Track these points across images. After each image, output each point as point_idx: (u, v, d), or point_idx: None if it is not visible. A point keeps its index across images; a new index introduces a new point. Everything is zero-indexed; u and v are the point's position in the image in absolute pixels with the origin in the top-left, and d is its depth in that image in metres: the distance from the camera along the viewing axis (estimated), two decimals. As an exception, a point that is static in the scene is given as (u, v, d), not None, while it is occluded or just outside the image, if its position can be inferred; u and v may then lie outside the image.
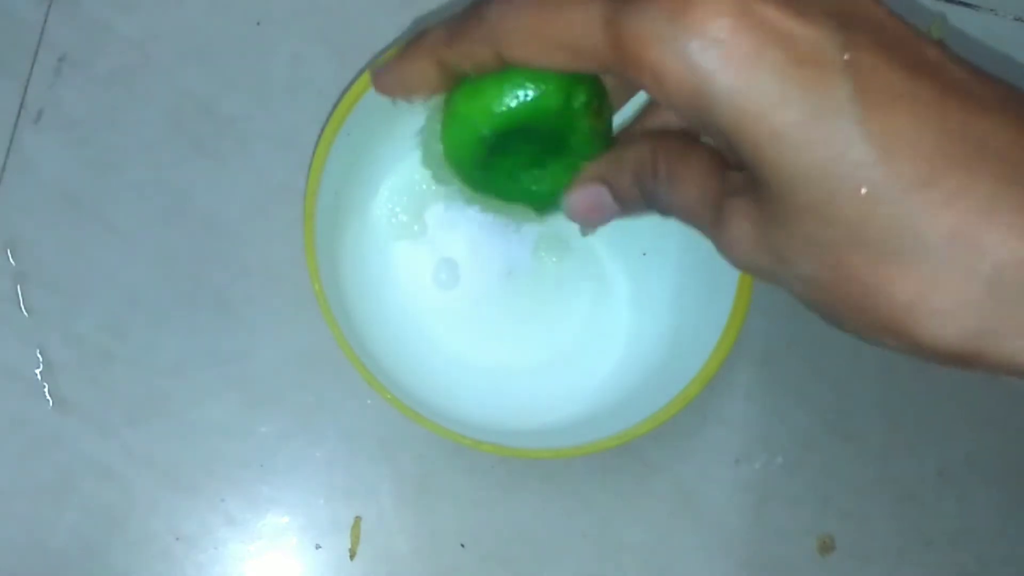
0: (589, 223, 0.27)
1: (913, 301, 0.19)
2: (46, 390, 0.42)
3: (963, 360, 0.20)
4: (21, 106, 0.43)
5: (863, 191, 0.19)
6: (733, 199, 0.22)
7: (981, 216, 0.19)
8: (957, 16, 0.47)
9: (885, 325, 0.20)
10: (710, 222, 0.23)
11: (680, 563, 0.43)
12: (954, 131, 0.19)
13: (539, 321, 0.44)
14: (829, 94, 0.19)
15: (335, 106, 0.38)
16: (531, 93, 0.24)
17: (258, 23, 0.45)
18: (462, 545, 0.42)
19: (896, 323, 0.20)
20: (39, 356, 0.42)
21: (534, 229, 0.44)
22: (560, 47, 0.22)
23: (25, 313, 0.43)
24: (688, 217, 0.24)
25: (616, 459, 0.43)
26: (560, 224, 0.44)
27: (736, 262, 0.23)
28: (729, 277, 0.38)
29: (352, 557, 0.42)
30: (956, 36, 0.46)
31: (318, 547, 0.42)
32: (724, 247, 0.23)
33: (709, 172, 0.23)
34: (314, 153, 0.38)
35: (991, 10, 0.47)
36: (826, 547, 0.44)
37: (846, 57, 0.19)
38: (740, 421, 0.44)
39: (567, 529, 0.43)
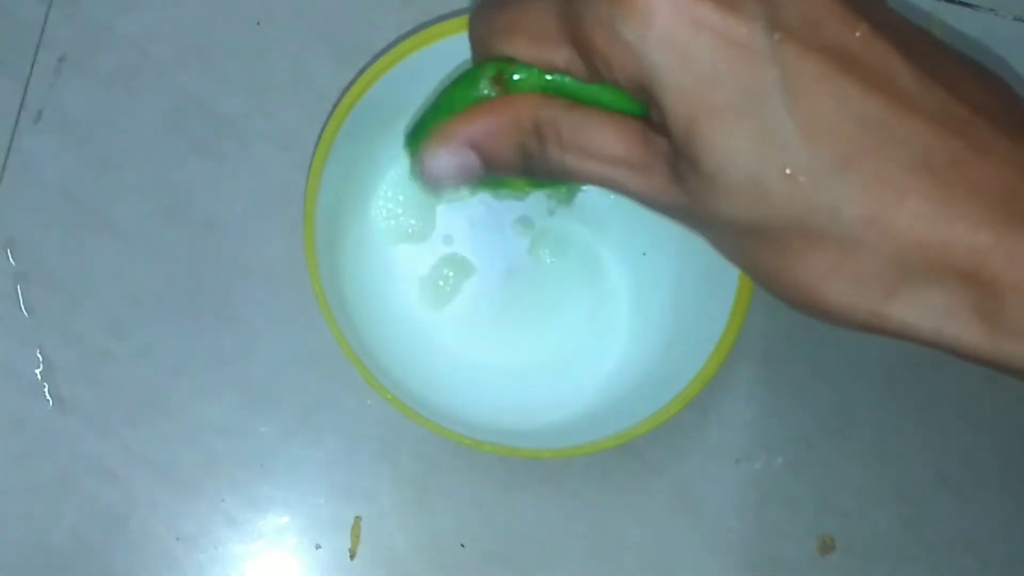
0: (443, 187, 0.26)
1: (827, 272, 0.22)
2: (46, 390, 0.42)
3: (868, 327, 0.22)
4: (21, 106, 0.44)
5: (787, 171, 0.21)
6: (661, 158, 0.23)
7: (892, 201, 0.20)
8: (957, 16, 0.47)
9: (799, 292, 0.22)
10: (635, 174, 0.24)
11: (680, 563, 0.43)
12: (871, 118, 0.20)
13: (539, 321, 0.44)
14: (759, 78, 0.21)
15: (335, 106, 0.38)
16: None
17: (258, 23, 0.45)
18: (462, 545, 0.42)
19: (809, 290, 0.22)
20: (39, 356, 0.42)
21: (534, 229, 0.44)
22: (531, 40, 0.24)
23: (25, 313, 0.43)
24: (597, 176, 0.25)
25: (616, 459, 0.43)
26: (560, 224, 0.44)
27: (661, 211, 0.25)
28: (729, 277, 0.38)
29: (352, 557, 0.42)
30: (956, 36, 0.46)
31: (318, 547, 0.42)
32: (649, 196, 0.24)
33: (629, 130, 0.24)
34: (314, 153, 0.38)
35: (991, 10, 0.47)
36: (826, 547, 0.44)
37: (777, 38, 0.21)
38: (740, 421, 0.44)
39: (567, 529, 0.43)
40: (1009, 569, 0.44)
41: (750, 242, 0.23)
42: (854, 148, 0.20)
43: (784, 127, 0.21)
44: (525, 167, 0.26)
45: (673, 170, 0.23)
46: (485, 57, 0.25)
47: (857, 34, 0.21)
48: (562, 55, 0.24)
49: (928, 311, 0.21)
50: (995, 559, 0.44)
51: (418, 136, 0.26)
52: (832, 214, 0.21)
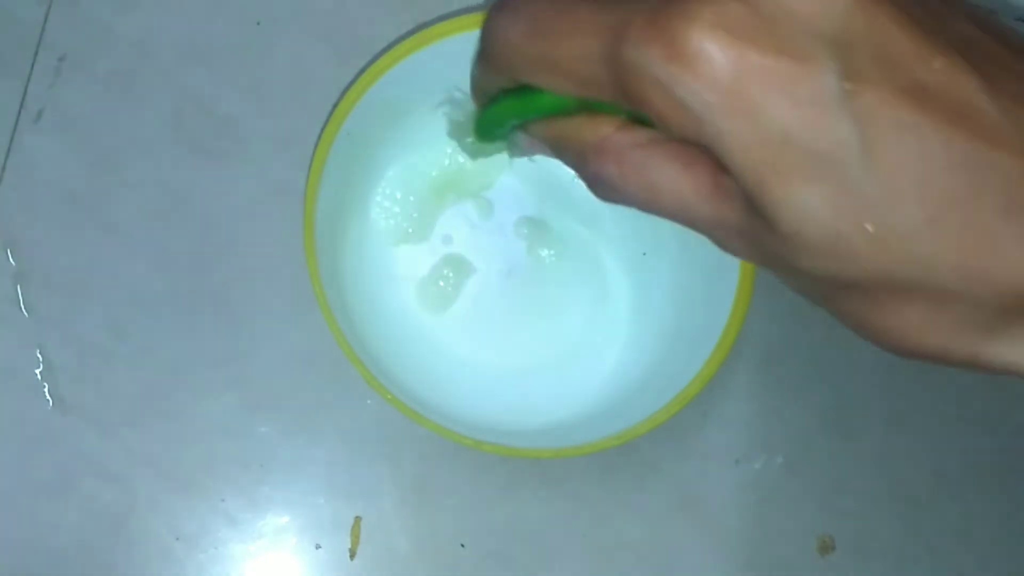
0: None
1: (921, 322, 0.20)
2: (46, 390, 0.42)
3: (968, 367, 0.21)
4: (21, 106, 0.43)
5: (871, 229, 0.19)
6: (733, 202, 0.22)
7: (986, 249, 0.19)
8: (957, 16, 0.47)
9: (891, 340, 0.21)
10: (703, 219, 0.23)
11: (680, 563, 0.43)
12: (957, 162, 0.19)
13: (539, 321, 0.44)
14: (834, 136, 0.19)
15: (335, 106, 0.38)
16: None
17: (258, 23, 0.45)
18: (462, 545, 0.42)
19: (903, 339, 0.21)
20: (39, 356, 0.42)
21: (534, 229, 0.44)
22: (571, 81, 0.22)
23: (25, 313, 0.43)
24: (662, 213, 0.23)
25: (616, 459, 0.43)
26: (560, 224, 0.44)
27: (731, 252, 0.23)
28: (729, 277, 0.38)
29: (352, 557, 0.42)
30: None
31: (318, 547, 0.42)
32: (720, 238, 0.23)
33: (699, 171, 0.22)
34: (314, 153, 0.38)
35: (991, 10, 0.47)
36: (826, 547, 0.44)
37: (848, 88, 0.19)
38: (740, 421, 0.44)
39: (567, 529, 0.43)
40: (1009, 569, 0.44)
41: (833, 290, 0.21)
42: (941, 198, 0.19)
43: (865, 185, 0.19)
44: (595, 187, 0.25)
45: (747, 216, 0.21)
46: (509, 77, 0.24)
47: (935, 65, 0.19)
48: (607, 98, 0.22)
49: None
50: (995, 559, 0.44)
51: (494, 123, 0.27)
52: (923, 268, 0.20)
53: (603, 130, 0.23)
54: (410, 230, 0.43)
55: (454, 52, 0.38)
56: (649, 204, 0.23)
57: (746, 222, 0.21)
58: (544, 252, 0.44)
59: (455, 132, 0.32)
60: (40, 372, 0.42)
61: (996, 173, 0.19)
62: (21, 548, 0.41)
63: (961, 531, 0.44)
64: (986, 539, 0.44)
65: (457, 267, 0.43)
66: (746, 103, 0.19)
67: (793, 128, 0.19)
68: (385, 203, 0.43)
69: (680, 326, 0.42)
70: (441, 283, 0.43)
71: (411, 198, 0.43)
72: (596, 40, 0.21)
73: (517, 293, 0.44)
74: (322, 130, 0.38)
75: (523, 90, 0.25)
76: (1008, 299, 0.20)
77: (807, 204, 0.19)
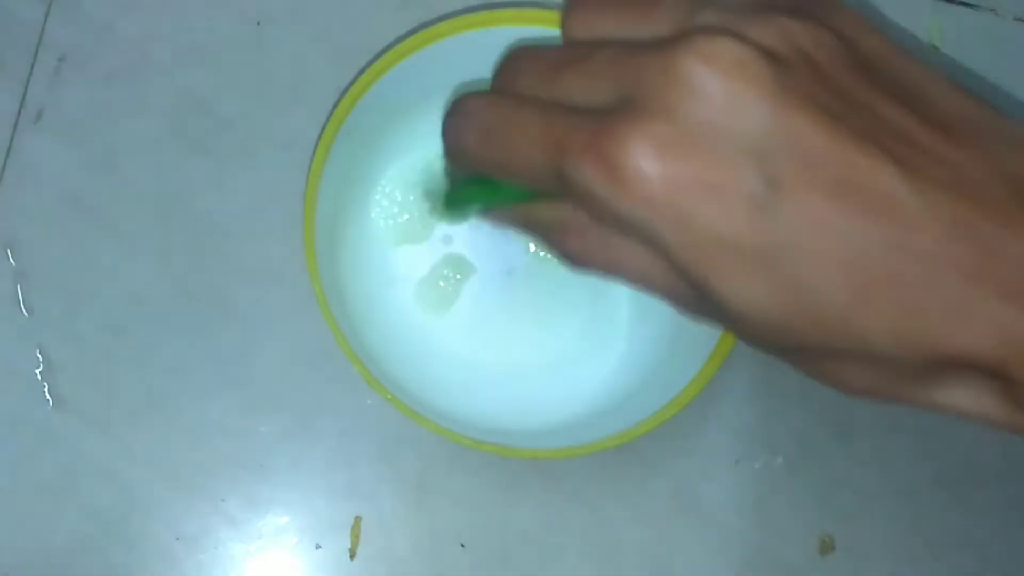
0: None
1: (858, 375, 0.23)
2: (46, 390, 0.42)
3: (903, 404, 0.24)
4: (21, 106, 0.44)
5: (807, 311, 0.21)
6: (686, 283, 0.23)
7: (913, 321, 0.21)
8: (957, 16, 0.47)
9: (830, 383, 0.24)
10: (659, 289, 0.24)
11: (680, 563, 0.43)
12: (880, 247, 0.20)
13: (539, 321, 0.44)
14: (764, 235, 0.21)
15: (335, 106, 0.38)
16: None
17: (258, 23, 0.45)
18: (462, 545, 0.42)
19: (841, 385, 0.24)
20: (39, 356, 0.42)
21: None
22: (521, 180, 0.24)
23: (25, 313, 0.43)
24: (626, 282, 0.25)
25: (616, 459, 0.43)
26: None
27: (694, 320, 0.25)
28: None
29: (352, 557, 0.42)
30: (956, 36, 0.46)
31: (318, 547, 0.42)
32: (674, 306, 0.25)
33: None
34: (314, 153, 0.38)
35: (991, 10, 0.47)
36: (826, 547, 0.44)
37: (770, 191, 0.20)
38: (740, 421, 0.44)
39: (567, 529, 0.43)
40: (1009, 569, 0.44)
41: (778, 351, 0.23)
42: (868, 280, 0.21)
43: (795, 274, 0.21)
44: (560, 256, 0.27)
45: (696, 293, 0.23)
46: (469, 172, 0.26)
47: (853, 160, 0.21)
48: (557, 196, 0.24)
49: (958, 396, 0.22)
50: (995, 559, 0.44)
51: (461, 203, 0.28)
52: (855, 340, 0.21)
53: (564, 211, 0.25)
54: (410, 230, 0.43)
55: (454, 52, 0.38)
56: (615, 276, 0.25)
57: (696, 296, 0.23)
58: (544, 252, 0.44)
59: (429, 199, 0.33)
60: (40, 372, 0.42)
61: (914, 253, 0.20)
62: (21, 548, 0.41)
63: (961, 531, 0.44)
64: (986, 539, 0.44)
65: (457, 267, 0.43)
66: (679, 212, 0.21)
67: (723, 232, 0.21)
68: (385, 203, 0.43)
69: (680, 326, 0.42)
70: (441, 283, 0.43)
71: (411, 198, 0.43)
72: (540, 152, 0.23)
73: (517, 293, 0.44)
74: (322, 130, 0.38)
75: (486, 179, 0.26)
76: (935, 361, 0.21)
77: (745, 294, 0.21)
